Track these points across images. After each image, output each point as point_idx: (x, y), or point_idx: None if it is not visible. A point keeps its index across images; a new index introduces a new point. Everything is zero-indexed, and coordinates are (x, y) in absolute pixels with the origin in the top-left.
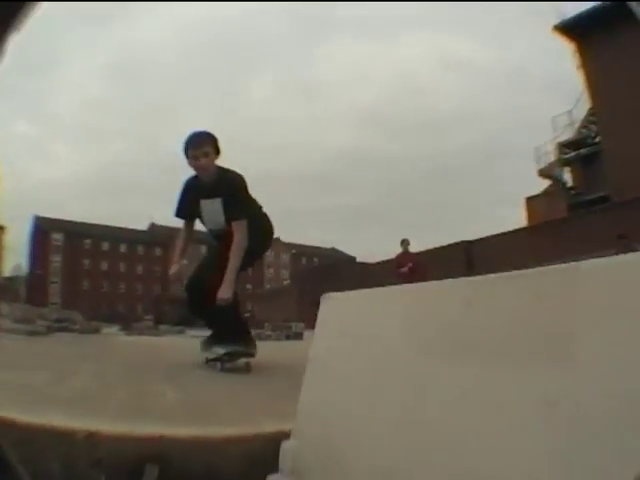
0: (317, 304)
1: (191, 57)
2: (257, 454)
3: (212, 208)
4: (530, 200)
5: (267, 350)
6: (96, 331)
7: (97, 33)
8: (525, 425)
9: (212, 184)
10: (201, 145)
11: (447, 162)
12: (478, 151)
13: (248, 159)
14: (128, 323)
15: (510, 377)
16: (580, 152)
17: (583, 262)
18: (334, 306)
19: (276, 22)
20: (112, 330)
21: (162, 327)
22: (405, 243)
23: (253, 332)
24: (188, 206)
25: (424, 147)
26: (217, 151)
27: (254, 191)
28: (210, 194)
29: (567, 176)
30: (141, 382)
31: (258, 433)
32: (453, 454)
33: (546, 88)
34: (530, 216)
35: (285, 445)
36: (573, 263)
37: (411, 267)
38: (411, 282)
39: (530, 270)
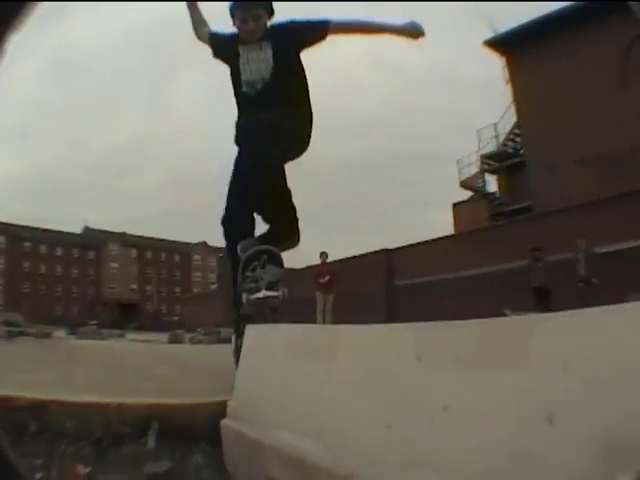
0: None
1: (124, 59)
2: (215, 412)
3: (259, 56)
4: (457, 206)
5: (206, 351)
6: (48, 335)
7: (31, 33)
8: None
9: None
10: (252, 6)
11: (376, 163)
12: (408, 153)
13: (179, 160)
14: (74, 327)
15: None
16: (504, 163)
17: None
18: (257, 337)
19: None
20: (62, 334)
21: (104, 331)
22: (323, 256)
23: (186, 335)
24: (224, 43)
25: (353, 148)
26: (271, 13)
27: (183, 193)
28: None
29: (493, 184)
30: (127, 375)
31: (214, 400)
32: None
33: (478, 92)
34: (456, 222)
35: (230, 403)
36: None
37: (329, 278)
38: (331, 291)
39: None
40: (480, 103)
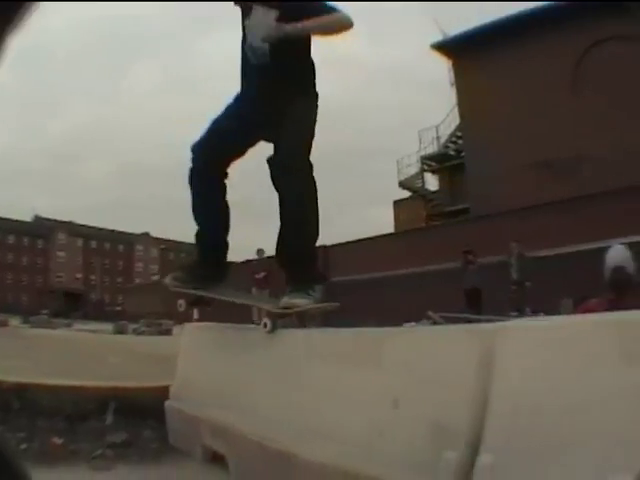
0: (185, 302)
1: (80, 44)
2: (160, 394)
3: (263, 19)
4: (397, 204)
5: (149, 341)
6: (5, 324)
7: None
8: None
9: None
10: None
11: (323, 157)
12: (354, 148)
13: (129, 149)
14: (26, 316)
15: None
16: (445, 164)
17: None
18: (193, 333)
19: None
20: (16, 323)
21: (55, 320)
22: (260, 252)
23: (129, 326)
24: None
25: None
26: None
27: (127, 182)
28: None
29: (434, 184)
30: (85, 362)
31: (159, 385)
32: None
33: (427, 92)
34: (397, 219)
35: (172, 387)
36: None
37: (265, 275)
38: (266, 286)
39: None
40: (428, 103)
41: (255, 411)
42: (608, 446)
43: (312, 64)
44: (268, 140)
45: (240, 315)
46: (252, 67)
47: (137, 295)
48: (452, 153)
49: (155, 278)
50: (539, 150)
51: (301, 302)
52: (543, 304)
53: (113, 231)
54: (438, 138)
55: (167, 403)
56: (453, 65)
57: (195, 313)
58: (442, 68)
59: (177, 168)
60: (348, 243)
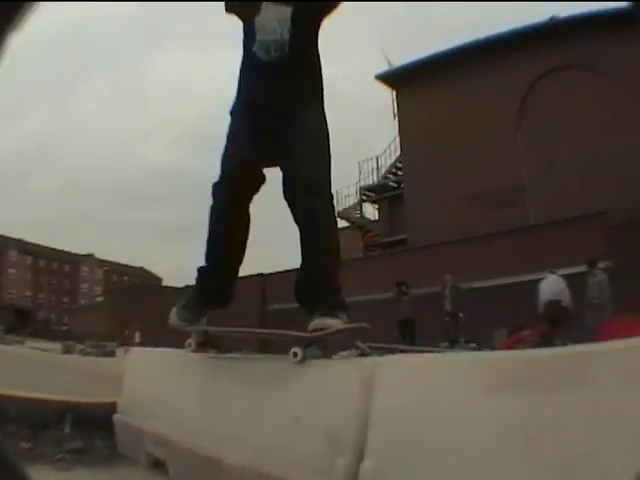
0: (126, 324)
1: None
2: (109, 409)
3: (276, 14)
4: (344, 230)
5: (96, 362)
6: None
7: None
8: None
9: None
10: None
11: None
12: None
13: (78, 165)
14: None
15: None
16: (385, 195)
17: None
18: (138, 357)
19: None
20: None
21: (8, 337)
22: None
23: (76, 346)
24: None
25: None
26: None
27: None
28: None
29: (374, 215)
30: (42, 378)
31: (108, 400)
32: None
33: (372, 120)
34: (344, 246)
35: (119, 403)
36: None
37: None
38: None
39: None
40: (372, 133)
41: (189, 424)
42: (471, 459)
43: (321, 68)
44: (281, 156)
45: (178, 338)
46: (263, 68)
47: (82, 315)
48: (392, 184)
49: (99, 300)
50: (478, 182)
51: (334, 322)
52: (478, 335)
53: (60, 251)
54: (378, 169)
55: (115, 417)
56: (396, 95)
57: (137, 336)
58: (387, 99)
59: (116, 187)
60: (287, 271)
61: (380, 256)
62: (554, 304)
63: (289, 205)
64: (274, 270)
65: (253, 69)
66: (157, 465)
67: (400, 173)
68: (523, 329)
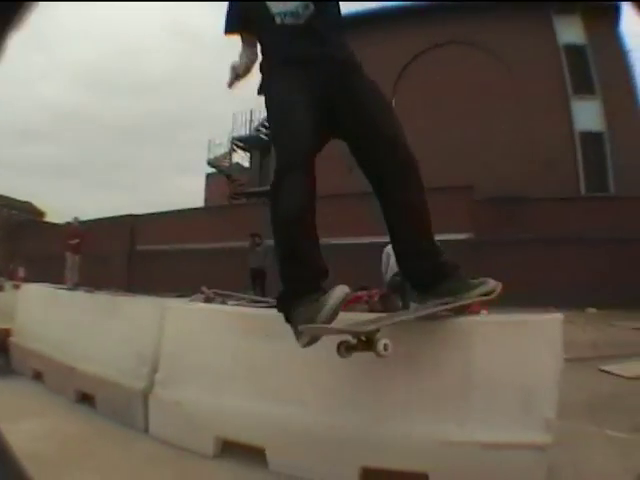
0: (11, 259)
1: None
2: (6, 333)
3: None
4: (209, 178)
5: None
6: None
7: None
8: None
9: None
10: None
11: (149, 124)
12: (180, 118)
13: None
14: None
15: None
16: (257, 146)
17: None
18: (26, 290)
19: None
20: None
21: None
22: (75, 219)
23: None
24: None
25: (129, 109)
26: None
27: None
28: None
29: (246, 163)
30: None
31: (5, 327)
32: None
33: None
34: (209, 193)
35: (13, 329)
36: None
37: (78, 242)
38: (78, 252)
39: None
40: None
41: (57, 343)
42: (218, 376)
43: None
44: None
45: (56, 275)
46: (296, 31)
47: None
48: (263, 137)
49: None
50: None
51: (491, 282)
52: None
53: None
54: (251, 121)
55: (10, 339)
56: None
57: (21, 271)
58: None
59: (16, 123)
60: (156, 214)
61: (243, 205)
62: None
63: (371, 166)
64: (144, 212)
65: (285, 36)
66: (38, 376)
67: None
68: (365, 289)
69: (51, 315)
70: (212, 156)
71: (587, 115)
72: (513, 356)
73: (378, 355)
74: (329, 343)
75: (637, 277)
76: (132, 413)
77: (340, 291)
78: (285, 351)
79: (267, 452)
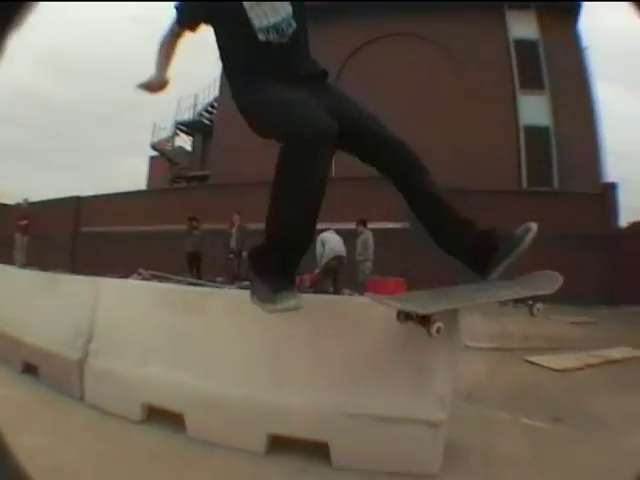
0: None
1: None
2: None
3: None
4: (152, 160)
5: None
6: None
7: None
8: None
9: None
10: None
11: (100, 108)
12: (123, 100)
13: None
14: None
15: None
16: (199, 131)
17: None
18: None
19: None
20: None
21: None
22: (25, 201)
23: None
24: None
25: (81, 91)
26: None
27: None
28: None
29: (188, 147)
30: None
31: None
32: None
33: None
34: (152, 176)
35: None
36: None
37: (27, 223)
38: (27, 233)
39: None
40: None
41: (5, 318)
42: (141, 343)
43: None
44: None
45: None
46: (278, 48)
47: None
48: (206, 122)
49: None
50: None
51: (531, 225)
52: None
53: None
54: (195, 106)
55: None
56: None
57: None
58: None
59: None
60: (101, 196)
61: (182, 189)
62: (339, 259)
63: (387, 168)
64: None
65: (264, 52)
66: None
67: (214, 112)
68: (301, 274)
69: (5, 289)
70: (156, 140)
71: (534, 110)
72: (407, 336)
73: (429, 335)
74: (239, 319)
75: (582, 272)
76: (70, 382)
77: (293, 304)
78: (203, 325)
79: (186, 418)
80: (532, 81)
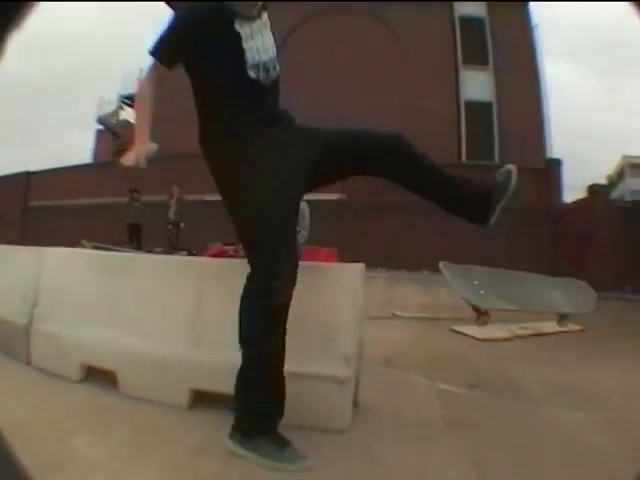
0: None
1: None
2: None
3: (264, 31)
4: (99, 133)
5: None
6: None
7: None
8: None
9: None
10: None
11: (50, 82)
12: (81, 74)
13: None
14: None
15: None
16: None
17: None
18: None
19: None
20: None
21: None
22: None
23: None
24: (193, 40)
25: (36, 66)
26: None
27: None
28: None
29: (133, 121)
30: None
31: None
32: None
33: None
34: (98, 149)
35: None
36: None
37: None
38: None
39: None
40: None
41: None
42: (87, 308)
43: None
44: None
45: None
46: (263, 88)
47: None
48: None
49: None
50: None
51: (510, 167)
52: (195, 245)
53: None
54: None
55: None
56: None
57: None
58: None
59: None
60: (49, 170)
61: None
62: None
63: (375, 159)
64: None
65: (251, 90)
66: None
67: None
68: (231, 245)
69: None
70: (102, 113)
71: (476, 85)
72: (315, 298)
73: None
74: (162, 281)
75: (525, 245)
76: (18, 346)
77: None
78: (132, 287)
79: (118, 376)
80: (476, 57)
